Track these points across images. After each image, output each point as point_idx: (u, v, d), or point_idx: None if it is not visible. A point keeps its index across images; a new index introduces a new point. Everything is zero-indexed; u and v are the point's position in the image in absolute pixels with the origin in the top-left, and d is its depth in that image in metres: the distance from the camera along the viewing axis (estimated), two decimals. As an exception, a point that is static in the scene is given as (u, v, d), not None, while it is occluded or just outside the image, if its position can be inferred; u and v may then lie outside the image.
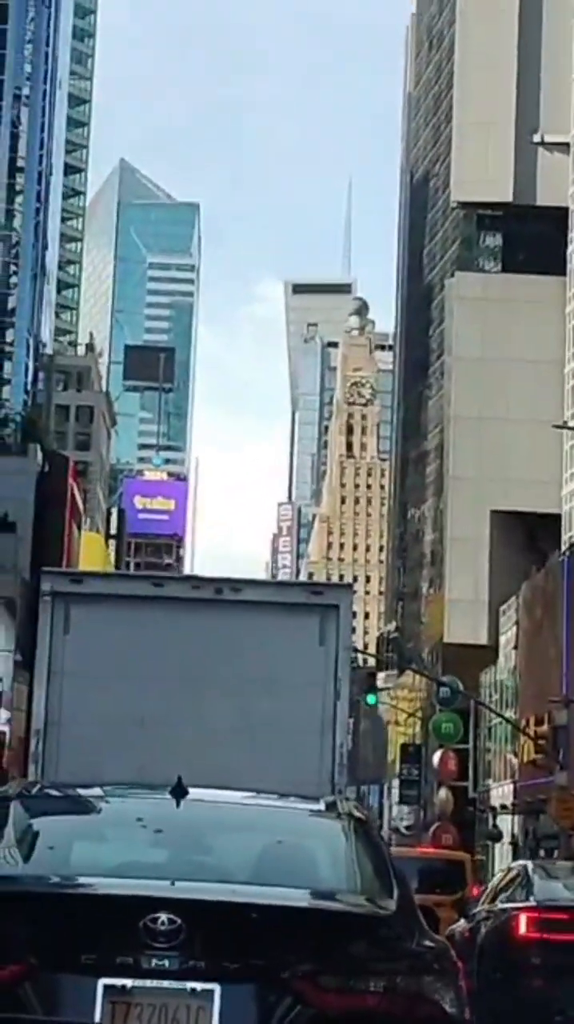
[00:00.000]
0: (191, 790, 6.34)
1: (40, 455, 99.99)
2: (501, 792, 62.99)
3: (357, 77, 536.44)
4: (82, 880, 5.70)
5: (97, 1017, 5.16)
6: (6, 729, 74.76)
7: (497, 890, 16.25)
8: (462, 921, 17.08)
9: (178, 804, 6.27)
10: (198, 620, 13.85)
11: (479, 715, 64.61)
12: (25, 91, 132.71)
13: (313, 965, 5.21)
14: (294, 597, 14.62)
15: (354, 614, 17.12)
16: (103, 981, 5.18)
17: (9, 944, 5.22)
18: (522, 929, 14.15)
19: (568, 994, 13.38)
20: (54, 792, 7.54)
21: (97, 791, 7.07)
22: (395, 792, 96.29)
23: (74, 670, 13.62)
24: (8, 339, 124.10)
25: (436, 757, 62.41)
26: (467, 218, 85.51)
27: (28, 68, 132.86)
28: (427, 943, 5.63)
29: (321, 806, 6.99)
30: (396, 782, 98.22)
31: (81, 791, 7.24)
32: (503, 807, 62.43)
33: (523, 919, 14.24)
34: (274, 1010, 5.16)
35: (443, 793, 60.93)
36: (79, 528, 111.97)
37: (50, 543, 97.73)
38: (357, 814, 6.65)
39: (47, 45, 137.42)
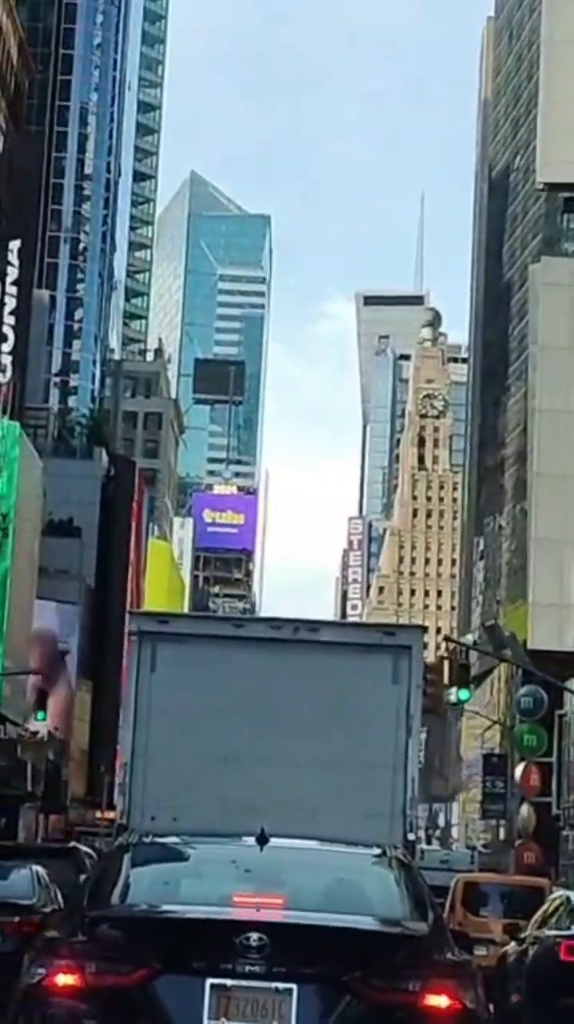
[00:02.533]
0: (271, 839, 7.97)
1: (106, 459, 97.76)
2: (588, 808, 59.81)
3: (429, 93, 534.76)
4: (192, 907, 7.44)
5: (206, 1005, 6.92)
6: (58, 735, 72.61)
7: (545, 916, 17.62)
8: (513, 944, 18.34)
9: (262, 848, 7.94)
10: (277, 659, 14.42)
11: (564, 727, 61.23)
12: (93, 95, 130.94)
13: (366, 971, 6.99)
14: (368, 638, 15.33)
15: (425, 629, 17.27)
16: (210, 980, 6.96)
17: (140, 953, 7.01)
18: (563, 955, 15.61)
19: None
20: (165, 840, 8.81)
21: (197, 840, 8.82)
22: (475, 806, 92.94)
23: (160, 706, 14.33)
24: (75, 345, 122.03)
25: (518, 771, 59.00)
26: (550, 202, 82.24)
27: (96, 71, 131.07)
28: (453, 956, 7.41)
29: (375, 851, 8.63)
30: (477, 794, 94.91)
31: (184, 838, 8.90)
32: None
33: (564, 946, 15.67)
34: (338, 1004, 6.95)
35: (525, 810, 57.58)
36: (146, 535, 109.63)
37: (116, 550, 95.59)
38: (402, 859, 8.46)
39: (115, 50, 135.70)
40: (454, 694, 31.15)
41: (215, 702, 14.27)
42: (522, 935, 18.07)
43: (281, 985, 6.91)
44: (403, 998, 6.96)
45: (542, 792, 59.86)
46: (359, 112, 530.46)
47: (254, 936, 6.90)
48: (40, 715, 58.70)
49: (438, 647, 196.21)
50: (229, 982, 6.92)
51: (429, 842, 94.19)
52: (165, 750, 14.12)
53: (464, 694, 30.22)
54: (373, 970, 6.97)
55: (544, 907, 18.49)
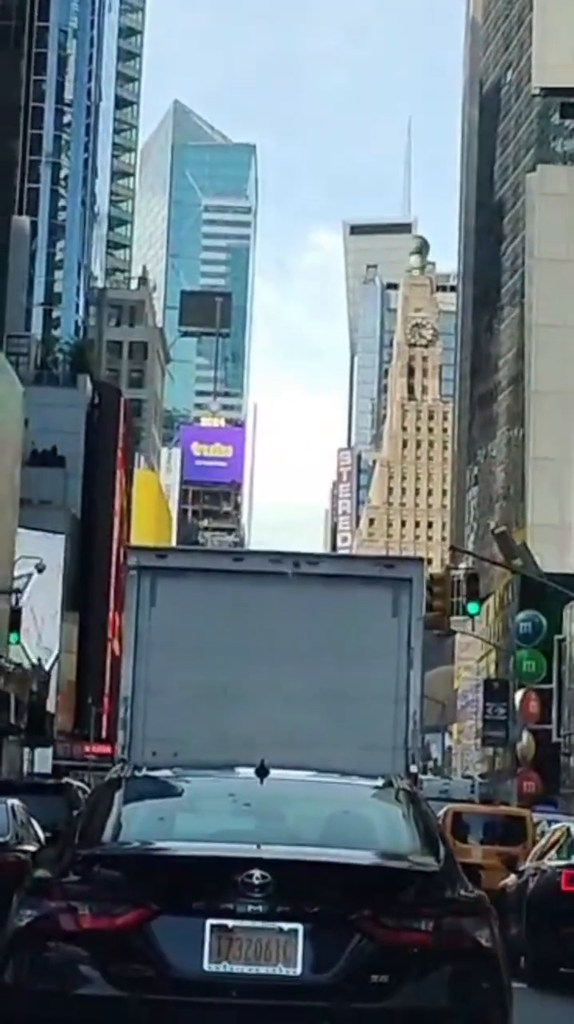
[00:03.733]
0: (272, 770, 7.68)
1: (90, 387, 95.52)
2: (589, 735, 58.25)
3: (413, 21, 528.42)
4: (189, 844, 7.15)
5: (206, 947, 6.59)
6: (52, 672, 71.00)
7: (545, 849, 18.20)
8: (512, 876, 18.48)
9: (262, 781, 7.66)
10: (276, 593, 14.35)
11: (563, 652, 59.70)
12: (74, 18, 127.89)
13: (375, 909, 6.63)
14: (368, 571, 15.24)
15: (424, 560, 17.27)
16: (210, 921, 6.61)
17: (135, 893, 6.66)
18: (564, 884, 16.21)
19: None
20: (158, 773, 8.54)
21: (194, 772, 8.44)
22: (471, 735, 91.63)
23: (160, 641, 14.22)
24: (58, 274, 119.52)
25: (517, 697, 57.51)
26: (544, 109, 79.74)
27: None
28: (466, 893, 7.05)
29: (379, 782, 8.26)
30: (474, 724, 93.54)
31: (180, 771, 8.50)
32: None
33: (565, 876, 16.32)
34: (346, 944, 6.60)
35: (525, 737, 56.11)
36: (132, 465, 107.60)
37: (102, 480, 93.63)
38: (409, 789, 8.18)
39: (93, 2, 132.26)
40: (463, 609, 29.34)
41: (215, 636, 14.30)
42: (521, 867, 18.57)
43: (286, 925, 6.62)
44: (416, 937, 6.65)
45: (541, 719, 58.51)
46: (342, 41, 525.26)
47: (256, 874, 6.61)
48: (13, 637, 56.38)
49: (443, 560, 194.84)
50: (230, 922, 6.61)
51: (424, 772, 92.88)
52: (165, 684, 14.10)
53: (473, 607, 28.36)
54: (383, 908, 6.66)
55: (543, 839, 19.27)
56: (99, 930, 6.62)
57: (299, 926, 6.59)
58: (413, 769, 13.79)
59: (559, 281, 64.64)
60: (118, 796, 7.77)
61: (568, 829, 18.13)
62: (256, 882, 6.57)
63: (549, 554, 60.47)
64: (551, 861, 17.34)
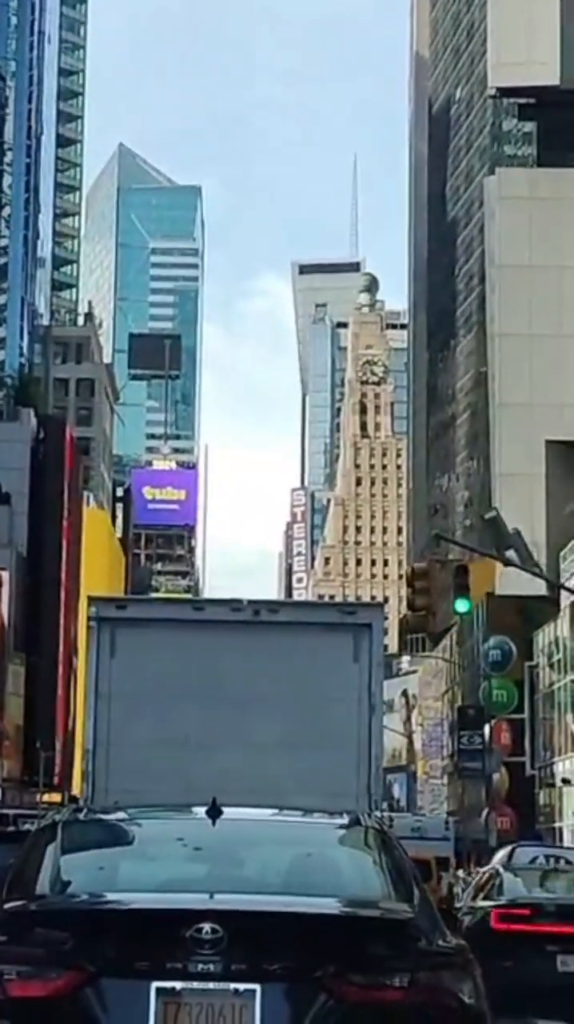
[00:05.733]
0: (225, 809, 6.94)
1: (34, 421, 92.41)
2: (565, 767, 55.30)
3: (352, 65, 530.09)
4: (132, 896, 6.26)
5: (151, 1014, 5.83)
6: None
7: (478, 888, 19.00)
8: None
9: (214, 823, 6.89)
10: (237, 641, 14.35)
11: (535, 680, 56.96)
12: (10, 51, 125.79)
13: (343, 965, 5.86)
14: (328, 617, 15.26)
15: (383, 605, 17.91)
16: (155, 984, 5.83)
17: (67, 954, 5.87)
18: (494, 923, 16.47)
19: (529, 970, 15.86)
20: (100, 815, 7.90)
21: (139, 813, 7.56)
22: (438, 771, 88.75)
23: (121, 692, 14.20)
24: (0, 302, 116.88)
25: (486, 729, 54.62)
26: (497, 118, 77.69)
27: (14, 19, 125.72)
28: (444, 943, 6.30)
29: (345, 820, 7.46)
30: (435, 762, 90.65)
31: (124, 814, 7.54)
32: (566, 782, 54.93)
33: (494, 914, 16.64)
34: (310, 1006, 5.83)
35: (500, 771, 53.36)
36: (81, 502, 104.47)
37: (50, 517, 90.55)
38: (378, 827, 7.32)
39: (31, 35, 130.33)
40: (455, 606, 26.43)
41: (176, 686, 14.26)
42: (458, 905, 19.13)
43: (241, 986, 5.86)
44: (388, 995, 5.90)
45: (514, 751, 55.82)
46: (282, 85, 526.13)
47: (206, 927, 5.84)
48: None
49: (386, 617, 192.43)
50: (179, 985, 5.86)
51: (392, 810, 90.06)
52: (127, 736, 14.10)
53: (463, 604, 25.33)
54: (351, 963, 5.90)
55: (475, 880, 20.13)
56: (27, 998, 5.87)
57: (257, 986, 5.88)
58: (376, 815, 12.15)
59: (522, 288, 62.22)
60: (54, 842, 6.96)
61: (497, 871, 19.02)
62: (207, 937, 5.85)
63: (517, 576, 57.76)
64: (481, 901, 17.88)
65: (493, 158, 79.84)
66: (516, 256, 63.24)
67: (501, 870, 18.90)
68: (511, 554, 27.03)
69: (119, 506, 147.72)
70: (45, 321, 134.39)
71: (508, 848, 23.31)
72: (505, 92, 73.15)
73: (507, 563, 27.08)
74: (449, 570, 33.29)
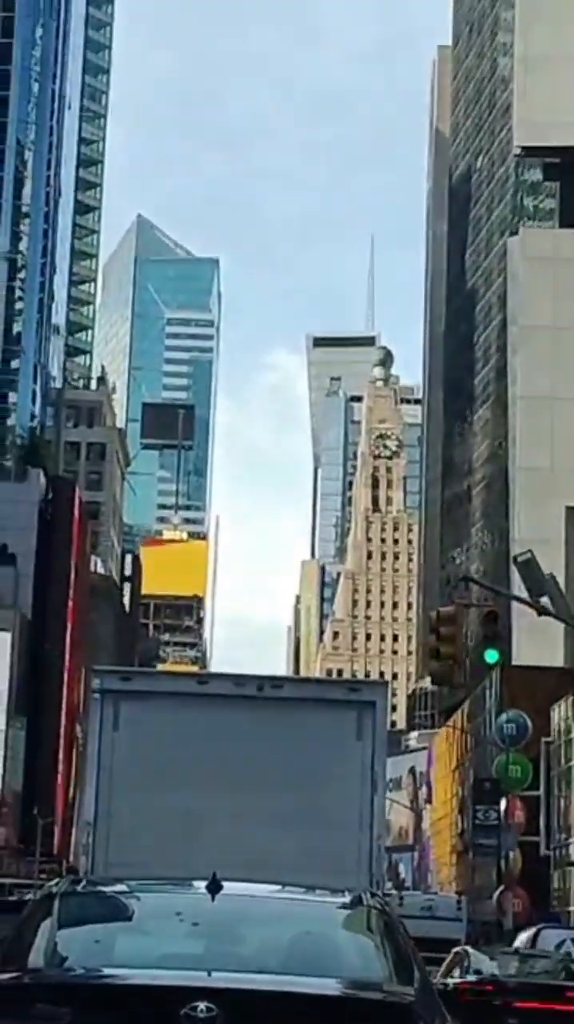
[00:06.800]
0: (225, 884, 6.83)
1: (43, 481, 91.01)
2: (581, 847, 53.47)
3: (371, 142, 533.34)
4: (126, 972, 6.18)
5: None
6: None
7: (449, 966, 19.76)
8: None
9: (213, 898, 6.77)
10: (241, 716, 14.31)
11: (551, 755, 55.05)
12: (32, 114, 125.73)
13: None
14: (332, 694, 15.42)
15: (388, 683, 17.65)
16: None
17: None
18: (462, 999, 17.46)
19: None
20: (99, 888, 7.73)
21: (138, 886, 7.39)
22: (446, 849, 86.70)
23: (123, 765, 14.18)
24: (13, 365, 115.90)
25: (502, 805, 52.69)
26: (518, 173, 76.69)
27: (36, 85, 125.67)
28: None
29: (347, 899, 7.32)
30: (447, 837, 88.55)
31: (123, 886, 7.47)
32: (583, 864, 53.07)
33: (461, 989, 17.92)
34: None
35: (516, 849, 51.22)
36: (88, 565, 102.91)
37: (55, 579, 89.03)
38: (380, 907, 7.18)
39: (55, 67, 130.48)
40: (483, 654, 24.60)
41: (179, 760, 14.20)
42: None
43: None
44: None
45: (528, 830, 53.75)
46: (301, 161, 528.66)
47: (201, 1006, 5.79)
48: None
49: (394, 693, 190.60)
50: None
51: (399, 889, 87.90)
52: (128, 809, 14.01)
53: (492, 655, 23.65)
54: None
55: (448, 959, 20.45)
56: None
57: None
58: (389, 891, 11.01)
59: (545, 348, 60.75)
60: (52, 914, 6.83)
61: (466, 951, 20.20)
62: (202, 1016, 5.77)
63: (534, 647, 56.10)
64: (452, 979, 18.72)
65: (515, 223, 79.02)
66: (539, 316, 61.92)
67: (469, 950, 20.19)
68: (545, 601, 25.32)
69: (128, 574, 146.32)
70: (58, 384, 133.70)
71: (532, 931, 22.66)
72: (530, 151, 72.30)
73: (542, 612, 25.36)
74: (518, 571, 30.90)
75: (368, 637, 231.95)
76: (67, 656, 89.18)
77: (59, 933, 6.66)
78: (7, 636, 73.50)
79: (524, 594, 28.70)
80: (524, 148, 72.61)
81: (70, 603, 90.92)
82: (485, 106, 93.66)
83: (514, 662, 56.23)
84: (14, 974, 6.18)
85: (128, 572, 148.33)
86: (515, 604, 59.89)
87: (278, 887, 7.65)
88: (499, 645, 23.45)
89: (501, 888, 50.74)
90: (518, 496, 61.94)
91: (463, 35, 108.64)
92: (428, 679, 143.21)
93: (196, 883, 6.99)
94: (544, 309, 61.75)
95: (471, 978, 18.43)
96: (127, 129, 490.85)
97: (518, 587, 56.77)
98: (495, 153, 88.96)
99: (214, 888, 6.77)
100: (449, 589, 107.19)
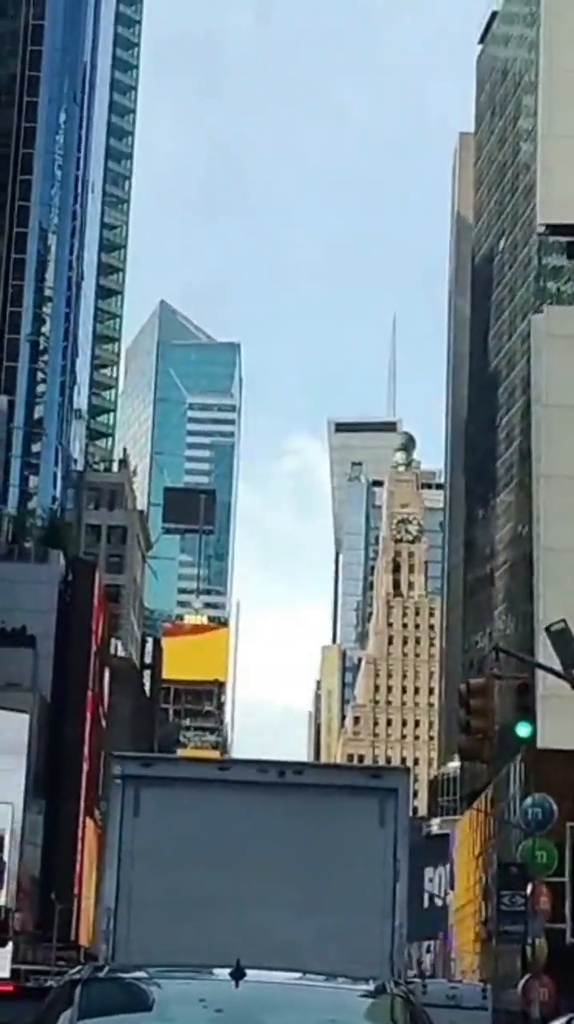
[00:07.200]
0: (249, 971, 6.88)
1: (63, 562, 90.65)
2: (608, 935, 52.37)
3: (393, 225, 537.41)
4: None
5: None
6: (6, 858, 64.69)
7: None
8: None
9: (237, 985, 6.84)
10: (262, 802, 14.30)
11: (579, 842, 54.10)
12: (56, 199, 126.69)
13: None
14: (354, 780, 15.35)
15: (410, 770, 16.85)
16: None
17: None
18: None
19: None
20: (121, 974, 7.79)
21: (161, 972, 7.51)
22: (470, 937, 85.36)
23: (144, 851, 14.19)
24: (35, 449, 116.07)
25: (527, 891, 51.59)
26: (542, 252, 76.93)
27: (58, 172, 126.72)
28: None
29: (371, 987, 7.40)
30: (470, 925, 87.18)
31: (145, 973, 7.55)
32: (610, 952, 51.92)
33: None
34: None
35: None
36: (109, 648, 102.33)
37: (75, 662, 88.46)
38: (404, 995, 7.28)
39: (79, 151, 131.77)
40: (515, 728, 23.57)
41: (200, 846, 14.13)
42: None
43: None
44: None
45: (554, 917, 52.55)
46: (322, 250, 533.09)
47: None
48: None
49: (416, 779, 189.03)
50: None
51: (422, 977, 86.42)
52: (149, 895, 13.96)
53: (525, 727, 22.85)
54: None
55: None
56: None
57: None
58: (412, 980, 10.83)
59: (570, 427, 60.58)
60: (74, 1000, 6.82)
61: None
62: None
63: (561, 730, 55.36)
64: None
65: (537, 305, 79.21)
66: (564, 395, 61.76)
67: None
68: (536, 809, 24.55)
69: (148, 658, 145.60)
70: (79, 467, 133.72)
71: (563, 1020, 21.71)
72: (554, 229, 72.48)
73: (574, 683, 24.67)
74: (550, 640, 29.78)
75: (389, 722, 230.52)
76: (86, 739, 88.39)
77: (82, 1019, 6.68)
78: (26, 718, 72.74)
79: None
80: (547, 226, 72.97)
81: (90, 686, 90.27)
82: (507, 189, 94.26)
83: (539, 745, 55.51)
84: None
85: (149, 656, 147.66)
86: (539, 685, 59.12)
87: (301, 974, 7.73)
88: (531, 720, 22.68)
89: (527, 976, 49.65)
90: (542, 575, 61.53)
91: (485, 120, 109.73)
92: (450, 764, 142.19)
93: (219, 970, 7.01)
94: (569, 387, 61.65)
95: None
96: (148, 213, 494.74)
97: (546, 660, 56.16)
98: (518, 236, 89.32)
99: (238, 975, 6.80)
100: (472, 673, 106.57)
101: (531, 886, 51.91)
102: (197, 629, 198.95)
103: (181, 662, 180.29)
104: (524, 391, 78.99)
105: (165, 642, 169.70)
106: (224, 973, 6.88)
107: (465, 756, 24.88)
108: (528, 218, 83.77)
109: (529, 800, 55.71)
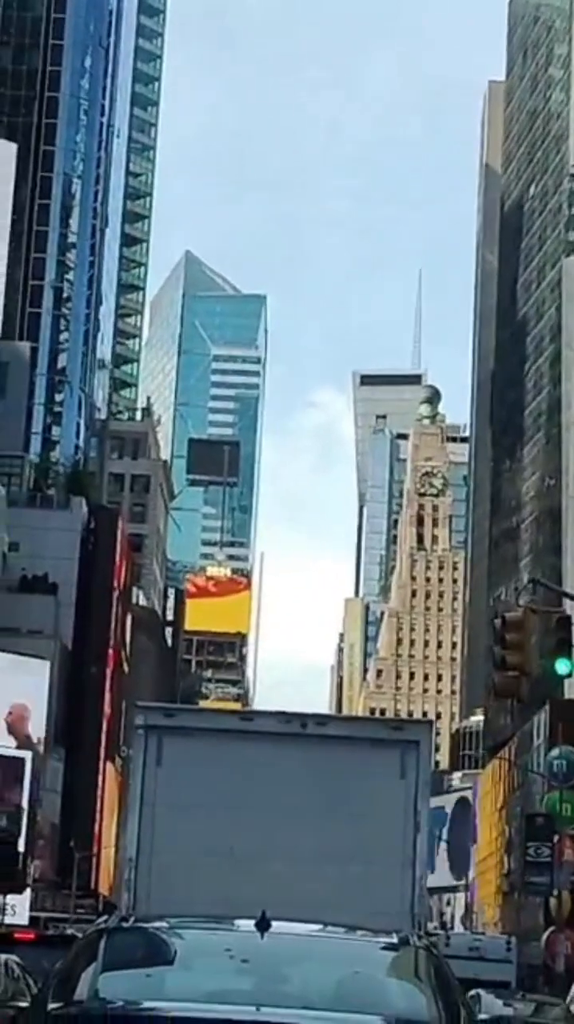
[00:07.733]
0: (274, 923, 6.98)
1: (86, 510, 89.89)
2: None
3: (419, 184, 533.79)
4: (176, 1005, 6.34)
5: None
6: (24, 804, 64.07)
7: None
8: None
9: (262, 936, 6.94)
10: (284, 753, 14.37)
11: (602, 793, 53.24)
12: (81, 144, 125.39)
13: None
14: (376, 732, 15.34)
15: (432, 723, 17.55)
16: None
17: None
18: None
19: None
20: (147, 924, 7.81)
21: (187, 923, 7.56)
22: (491, 889, 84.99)
23: (166, 801, 14.20)
24: (58, 397, 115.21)
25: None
26: (573, 203, 76.00)
27: (84, 117, 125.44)
28: None
29: (394, 939, 7.41)
30: (493, 877, 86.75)
31: (171, 923, 7.60)
32: None
33: None
34: None
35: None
36: (131, 596, 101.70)
37: (97, 609, 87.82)
38: (428, 948, 7.29)
39: (103, 96, 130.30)
40: (555, 665, 22.45)
41: (222, 797, 14.22)
42: None
43: None
44: None
45: (578, 870, 51.85)
46: (349, 202, 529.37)
47: None
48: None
49: (438, 733, 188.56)
50: None
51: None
52: (170, 845, 14.01)
53: (564, 664, 21.76)
54: None
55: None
56: None
57: None
58: (434, 932, 10.01)
59: (600, 372, 59.65)
60: (102, 948, 6.94)
61: (479, 994, 20.87)
62: None
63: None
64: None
65: (569, 249, 78.04)
66: (594, 339, 60.85)
67: (482, 993, 20.05)
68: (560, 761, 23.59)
69: (170, 612, 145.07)
70: (103, 416, 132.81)
71: None
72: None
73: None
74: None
75: (412, 676, 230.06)
76: (107, 688, 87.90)
77: (109, 968, 6.78)
78: (46, 665, 72.18)
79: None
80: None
81: (111, 634, 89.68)
82: (538, 135, 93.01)
83: (567, 695, 54.71)
84: (64, 1008, 6.31)
85: (171, 611, 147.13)
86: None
87: (325, 926, 7.76)
88: (571, 653, 21.74)
89: (551, 929, 49.09)
90: (570, 527, 60.54)
91: (516, 66, 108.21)
92: (472, 718, 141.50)
93: (244, 921, 7.06)
94: (599, 331, 60.79)
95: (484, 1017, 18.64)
96: (173, 165, 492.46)
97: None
98: (548, 183, 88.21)
99: (263, 926, 6.88)
100: (496, 618, 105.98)
101: (557, 837, 51.37)
102: (220, 590, 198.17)
103: (203, 614, 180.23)
104: (553, 339, 77.91)
105: (188, 603, 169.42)
106: (249, 924, 6.94)
107: (500, 694, 23.89)
108: (558, 165, 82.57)
109: (554, 752, 55.17)
